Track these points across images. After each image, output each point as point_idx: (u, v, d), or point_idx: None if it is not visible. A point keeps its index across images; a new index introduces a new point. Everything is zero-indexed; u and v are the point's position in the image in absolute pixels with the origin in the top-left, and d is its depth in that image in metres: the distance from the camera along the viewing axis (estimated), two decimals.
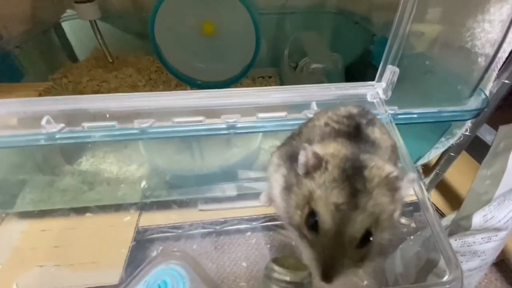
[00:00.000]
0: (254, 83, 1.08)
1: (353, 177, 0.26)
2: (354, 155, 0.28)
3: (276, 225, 0.72)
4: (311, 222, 0.26)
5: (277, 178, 0.34)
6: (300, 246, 0.28)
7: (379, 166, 0.27)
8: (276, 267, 0.36)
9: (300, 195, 0.28)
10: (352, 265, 0.26)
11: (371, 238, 0.26)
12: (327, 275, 0.25)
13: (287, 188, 0.31)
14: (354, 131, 0.33)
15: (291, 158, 0.32)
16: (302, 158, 0.28)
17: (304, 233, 0.27)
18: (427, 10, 0.47)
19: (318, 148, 0.28)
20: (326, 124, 0.34)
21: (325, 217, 0.25)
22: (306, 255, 0.27)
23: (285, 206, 0.31)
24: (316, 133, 0.34)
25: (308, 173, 0.28)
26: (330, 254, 0.25)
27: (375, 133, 0.34)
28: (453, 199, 0.81)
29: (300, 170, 0.29)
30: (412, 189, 0.38)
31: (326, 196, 0.26)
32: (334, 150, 0.28)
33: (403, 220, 0.66)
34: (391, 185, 0.27)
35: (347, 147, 0.29)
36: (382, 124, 0.39)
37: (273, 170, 0.35)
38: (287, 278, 0.35)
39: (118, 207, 0.69)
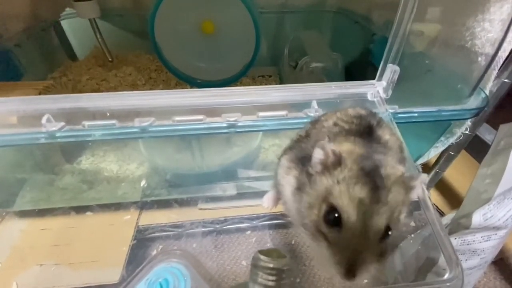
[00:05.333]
0: (254, 82, 1.08)
1: (371, 174, 0.26)
2: (368, 154, 0.28)
3: (277, 224, 0.72)
4: (331, 218, 0.26)
5: (288, 180, 0.33)
6: (315, 247, 0.27)
7: (393, 166, 0.28)
8: (261, 257, 0.40)
9: (314, 194, 0.28)
10: (374, 260, 0.25)
11: (390, 232, 0.26)
12: (351, 271, 0.24)
13: (299, 189, 0.31)
14: (366, 130, 0.33)
15: (302, 160, 0.32)
16: (318, 155, 0.28)
17: (323, 231, 0.27)
18: (428, 10, 0.47)
19: (333, 146, 0.28)
20: (335, 124, 0.34)
21: (350, 211, 0.25)
22: (325, 254, 0.26)
23: (298, 207, 0.30)
24: (325, 134, 0.33)
25: (324, 170, 0.28)
26: (354, 249, 0.25)
27: (386, 134, 0.34)
28: (453, 198, 0.82)
29: (315, 168, 0.28)
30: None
31: (349, 190, 0.26)
32: (348, 148, 0.29)
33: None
34: (406, 184, 0.27)
35: (360, 146, 0.29)
36: (388, 125, 0.39)
37: (284, 173, 0.35)
38: (271, 265, 0.39)
39: (118, 206, 0.69)
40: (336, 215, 0.26)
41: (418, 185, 0.27)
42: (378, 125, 0.35)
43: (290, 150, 0.38)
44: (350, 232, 0.25)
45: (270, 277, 0.38)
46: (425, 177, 0.28)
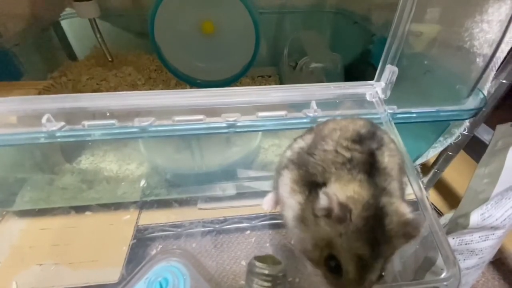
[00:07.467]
0: (253, 82, 1.09)
1: (374, 227, 0.27)
2: (374, 198, 0.28)
3: (277, 224, 0.72)
4: (332, 265, 0.27)
5: (291, 204, 0.33)
6: (312, 273, 0.29)
7: (398, 213, 0.28)
8: (257, 263, 0.41)
9: (318, 236, 0.29)
10: None
11: (383, 274, 0.28)
12: None
13: (302, 220, 0.31)
14: (368, 160, 0.32)
15: (308, 185, 0.32)
16: (323, 202, 0.28)
17: (322, 271, 0.28)
18: (426, 10, 0.47)
19: (339, 191, 0.28)
20: (337, 152, 0.33)
21: (349, 267, 0.27)
22: (321, 281, 0.29)
23: (300, 237, 0.31)
24: (331, 163, 0.32)
25: (329, 217, 0.28)
26: None
27: (385, 157, 0.33)
28: (451, 198, 0.82)
29: (320, 213, 0.29)
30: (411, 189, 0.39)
31: (350, 247, 0.27)
32: (354, 192, 0.28)
33: None
34: (408, 235, 0.28)
35: (366, 186, 0.29)
36: (391, 139, 0.38)
37: (287, 193, 0.35)
38: (266, 272, 0.40)
39: (118, 206, 0.69)
40: (337, 263, 0.27)
41: (419, 233, 0.28)
42: (378, 148, 0.34)
43: (293, 166, 0.36)
44: (348, 281, 0.27)
45: (265, 283, 0.39)
46: (425, 224, 0.29)
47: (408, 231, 0.27)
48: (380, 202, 0.28)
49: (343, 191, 0.28)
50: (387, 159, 0.33)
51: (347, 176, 0.30)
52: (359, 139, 0.34)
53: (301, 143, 0.39)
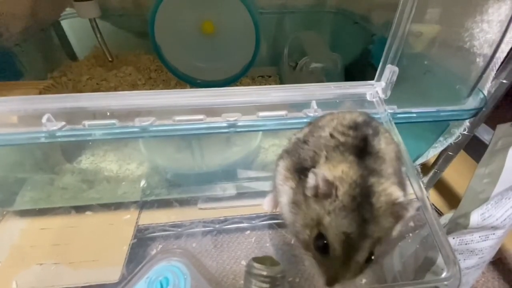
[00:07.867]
0: (253, 82, 1.09)
1: (361, 205, 0.27)
2: (362, 178, 0.28)
3: (277, 224, 0.72)
4: (320, 244, 0.28)
5: (285, 190, 0.34)
6: (305, 256, 0.30)
7: (386, 193, 0.28)
8: (255, 264, 0.41)
9: (308, 216, 0.29)
10: (354, 276, 0.28)
11: (372, 257, 0.28)
12: (332, 281, 0.28)
13: (295, 203, 0.32)
14: (361, 144, 0.33)
15: (299, 171, 0.33)
16: (311, 181, 0.29)
17: (312, 251, 0.29)
18: (426, 10, 0.47)
19: (327, 171, 0.29)
20: (332, 136, 0.34)
21: (335, 245, 0.27)
22: (312, 264, 0.29)
23: (292, 219, 0.32)
24: (322, 146, 0.33)
25: (317, 195, 0.29)
26: (337, 269, 0.28)
27: (380, 143, 0.34)
28: (451, 197, 0.82)
29: (309, 192, 0.29)
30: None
31: (337, 224, 0.27)
32: (343, 173, 0.29)
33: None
34: (396, 214, 0.28)
35: (355, 167, 0.29)
36: (386, 130, 0.38)
37: (280, 181, 0.36)
38: (264, 273, 0.40)
39: (118, 205, 0.69)
40: (325, 242, 0.27)
41: (409, 214, 0.28)
42: (373, 134, 0.34)
43: (287, 155, 0.37)
44: (335, 259, 0.27)
45: (264, 285, 0.40)
46: (416, 206, 0.28)
47: (396, 210, 0.27)
48: (368, 181, 0.28)
49: (331, 171, 0.29)
50: (382, 146, 0.34)
51: (338, 158, 0.31)
52: (355, 126, 0.35)
53: (299, 135, 0.40)
